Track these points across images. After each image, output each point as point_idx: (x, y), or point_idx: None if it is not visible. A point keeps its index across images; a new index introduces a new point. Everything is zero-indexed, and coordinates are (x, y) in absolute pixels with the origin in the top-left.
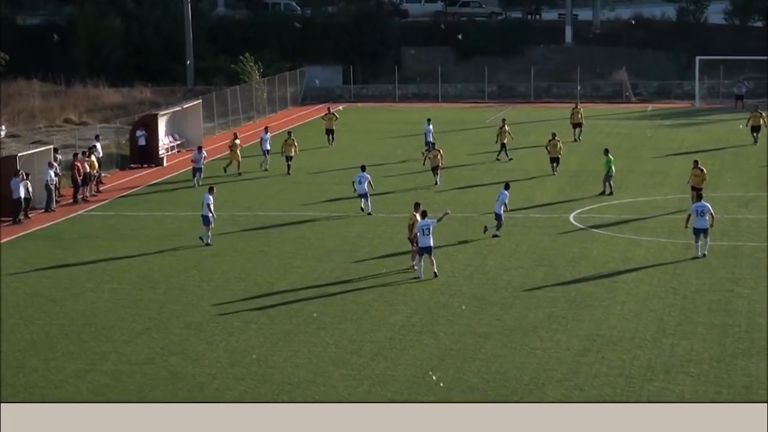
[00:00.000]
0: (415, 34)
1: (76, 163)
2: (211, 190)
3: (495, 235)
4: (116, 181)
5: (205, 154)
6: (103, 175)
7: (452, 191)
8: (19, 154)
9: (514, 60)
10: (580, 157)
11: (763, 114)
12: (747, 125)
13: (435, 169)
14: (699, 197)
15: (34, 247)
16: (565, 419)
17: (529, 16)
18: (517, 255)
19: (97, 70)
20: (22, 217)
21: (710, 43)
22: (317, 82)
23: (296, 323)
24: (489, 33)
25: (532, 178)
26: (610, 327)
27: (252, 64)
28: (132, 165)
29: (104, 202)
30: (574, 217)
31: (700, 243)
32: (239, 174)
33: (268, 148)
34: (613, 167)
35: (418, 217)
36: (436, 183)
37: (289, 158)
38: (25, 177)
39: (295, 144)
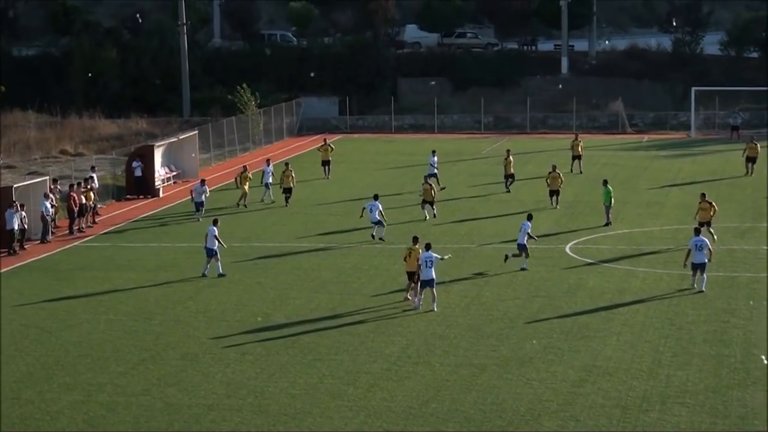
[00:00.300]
0: (411, 65)
1: (72, 194)
2: (215, 222)
3: (523, 268)
4: (112, 212)
5: (207, 189)
6: (99, 206)
7: (449, 224)
8: (15, 185)
9: (510, 91)
10: (576, 188)
11: (758, 145)
12: (743, 156)
13: (428, 203)
14: (698, 231)
15: (29, 278)
16: None
17: (525, 47)
18: (514, 286)
19: (93, 101)
20: (17, 248)
21: (706, 74)
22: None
23: (292, 354)
24: (485, 64)
25: (529, 210)
26: (606, 358)
27: (249, 95)
28: (128, 196)
29: (100, 233)
30: (570, 248)
31: (696, 278)
32: (245, 206)
33: (270, 180)
34: (612, 198)
35: (418, 249)
36: (426, 218)
37: (287, 190)
38: (19, 208)
39: (293, 175)
